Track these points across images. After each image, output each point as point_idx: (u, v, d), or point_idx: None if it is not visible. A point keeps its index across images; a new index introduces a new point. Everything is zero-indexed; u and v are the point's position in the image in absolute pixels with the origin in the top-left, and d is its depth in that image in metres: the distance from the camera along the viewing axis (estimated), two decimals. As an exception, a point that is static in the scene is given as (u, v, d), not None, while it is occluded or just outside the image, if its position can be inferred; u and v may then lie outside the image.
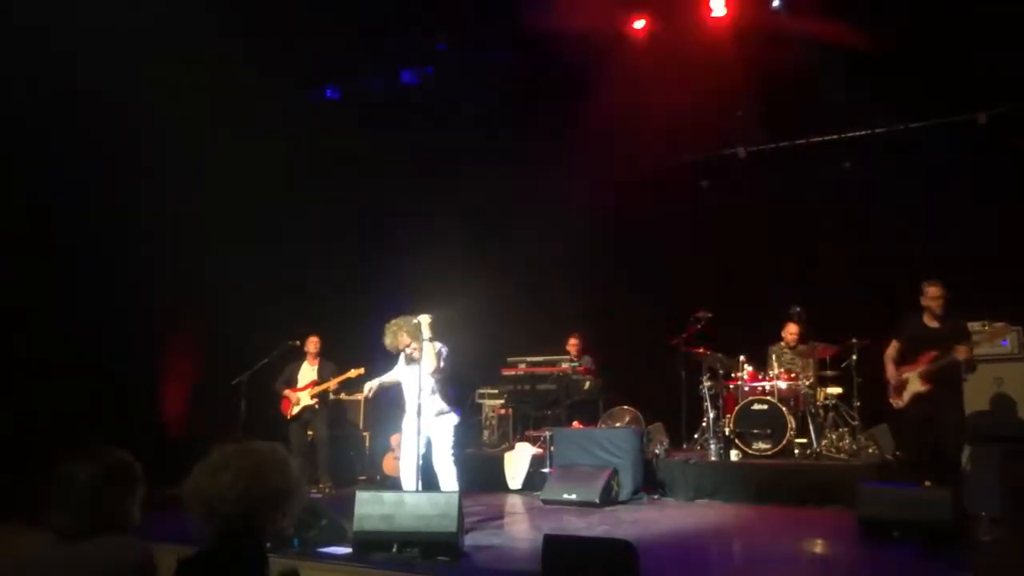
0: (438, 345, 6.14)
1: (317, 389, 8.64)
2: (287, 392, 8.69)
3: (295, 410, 8.62)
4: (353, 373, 8.62)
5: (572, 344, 9.80)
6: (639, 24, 9.41)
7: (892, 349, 6.40)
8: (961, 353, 5.98)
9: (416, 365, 6.13)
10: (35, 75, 7.52)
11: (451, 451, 6.23)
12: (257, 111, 8.70)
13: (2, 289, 7.93)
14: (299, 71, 9.04)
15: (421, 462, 6.03)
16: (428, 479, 6.15)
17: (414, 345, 6.12)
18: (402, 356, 6.30)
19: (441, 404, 6.23)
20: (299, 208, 9.80)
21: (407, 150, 10.23)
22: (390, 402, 9.08)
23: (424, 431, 6.11)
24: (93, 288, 8.41)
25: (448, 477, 6.14)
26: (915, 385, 6.15)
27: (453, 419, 6.30)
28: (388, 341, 6.19)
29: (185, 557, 2.15)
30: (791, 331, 8.69)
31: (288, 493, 2.21)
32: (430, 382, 6.15)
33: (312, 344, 8.84)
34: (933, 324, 6.19)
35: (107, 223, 8.40)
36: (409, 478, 6.04)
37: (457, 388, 6.64)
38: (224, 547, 2.12)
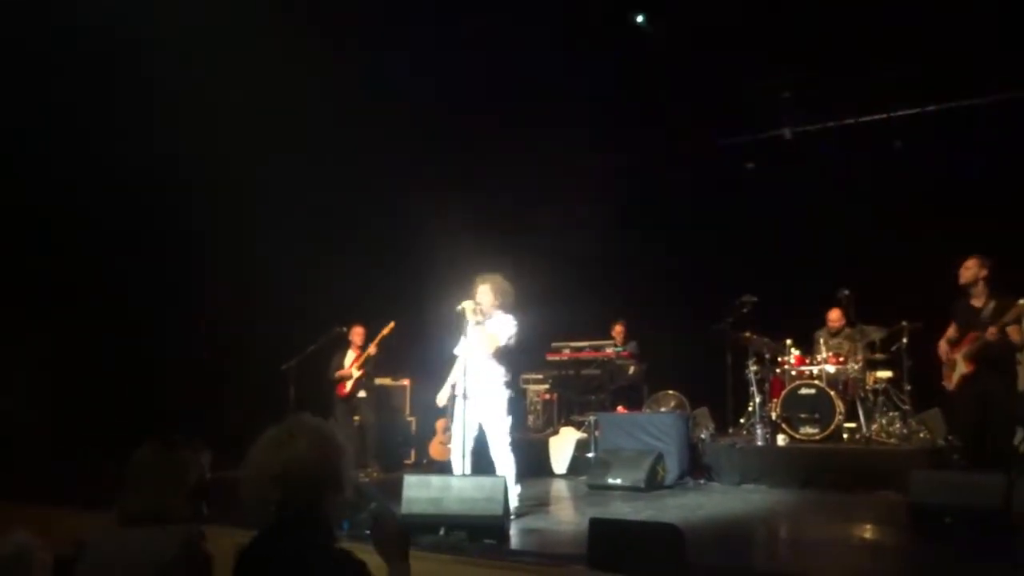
0: (503, 319, 6.03)
1: (361, 358, 8.78)
2: (339, 374, 8.83)
3: (349, 385, 8.76)
4: (386, 330, 8.72)
5: (617, 331, 9.80)
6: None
7: (950, 330, 6.30)
8: (989, 335, 5.85)
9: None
10: (95, 55, 7.63)
11: (508, 436, 5.97)
12: (306, 94, 8.76)
13: (57, 280, 8.17)
14: (347, 49, 9.02)
15: (473, 445, 5.95)
16: (485, 466, 6.00)
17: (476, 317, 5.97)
18: (469, 329, 6.02)
19: (495, 382, 6.00)
20: (344, 195, 9.86)
21: (453, 133, 10.22)
22: (436, 388, 9.20)
23: (476, 413, 5.96)
24: (143, 276, 8.61)
25: (504, 468, 5.88)
26: (961, 367, 6.04)
27: (506, 396, 6.02)
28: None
29: (244, 545, 2.08)
30: (834, 315, 8.58)
31: (349, 465, 2.18)
32: (482, 359, 5.99)
33: (356, 334, 8.94)
34: (977, 303, 6.07)
35: (155, 210, 8.55)
36: (457, 461, 6.01)
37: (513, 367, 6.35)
38: (289, 529, 2.05)
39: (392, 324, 8.71)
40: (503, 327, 6.03)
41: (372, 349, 8.82)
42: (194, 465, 2.47)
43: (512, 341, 6.04)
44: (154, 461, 2.42)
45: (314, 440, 2.10)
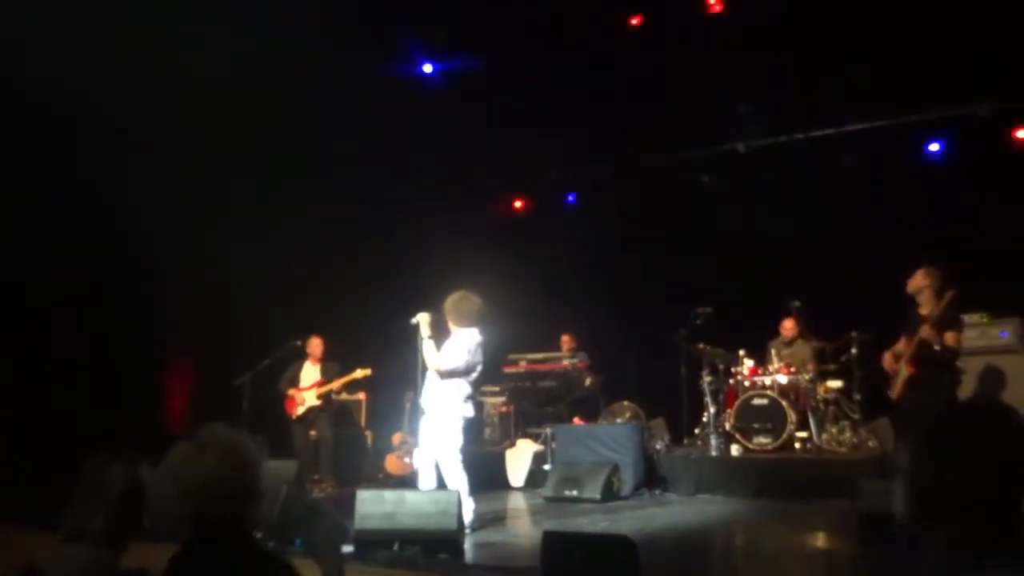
0: (457, 340, 6.01)
1: (323, 389, 8.65)
2: (292, 392, 8.69)
3: (300, 410, 8.63)
4: (359, 374, 8.63)
5: (565, 341, 9.84)
6: (635, 21, 9.39)
7: (899, 344, 6.40)
8: (923, 331, 5.97)
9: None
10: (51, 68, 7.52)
11: (458, 455, 5.86)
12: (258, 106, 8.70)
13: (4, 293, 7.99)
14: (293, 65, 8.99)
15: (436, 458, 5.93)
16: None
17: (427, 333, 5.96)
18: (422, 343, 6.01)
19: (443, 401, 5.93)
20: (302, 206, 9.80)
21: (412, 150, 10.22)
22: (392, 402, 9.15)
23: (431, 430, 5.96)
24: (95, 289, 8.45)
25: (454, 486, 5.77)
26: (903, 372, 6.15)
27: (455, 416, 5.91)
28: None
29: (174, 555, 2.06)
30: (787, 326, 8.71)
31: (258, 483, 2.12)
32: (435, 377, 5.98)
33: (315, 346, 8.84)
34: (923, 311, 6.21)
35: (108, 222, 8.42)
36: (423, 474, 5.99)
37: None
38: (207, 543, 2.02)
39: (369, 371, 8.62)
40: (450, 351, 5.96)
41: (336, 385, 8.71)
42: (119, 478, 2.41)
43: (458, 365, 5.91)
44: (82, 476, 2.38)
45: (223, 454, 2.05)
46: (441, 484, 5.90)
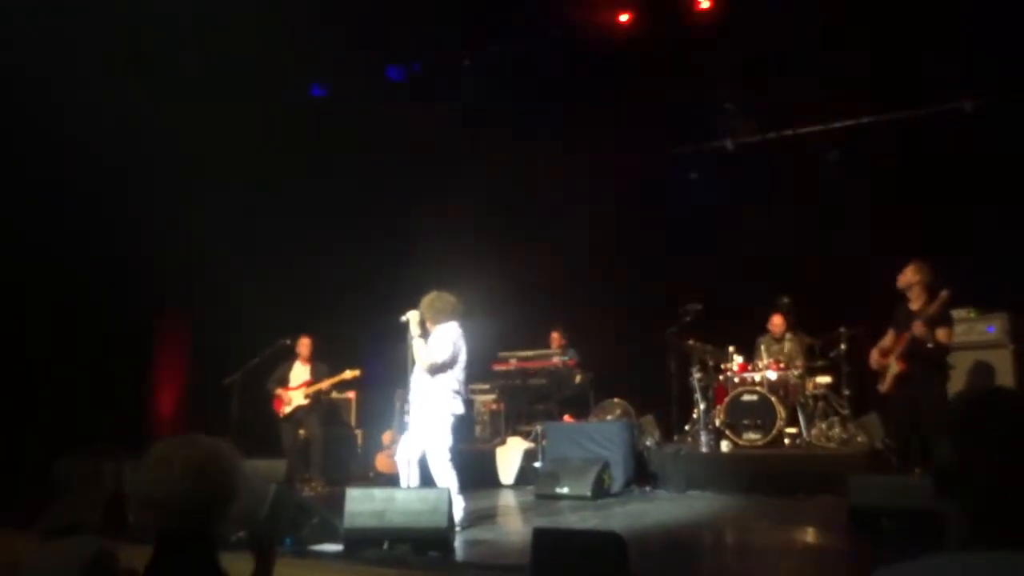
0: (440, 334, 6.01)
1: (311, 389, 8.62)
2: (279, 391, 8.67)
3: (287, 409, 8.61)
4: (348, 374, 8.61)
5: (554, 338, 9.84)
6: (624, 18, 9.37)
7: (885, 339, 6.42)
8: (915, 328, 6.00)
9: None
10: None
11: (447, 454, 5.84)
12: (246, 109, 8.67)
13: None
14: (284, 68, 8.98)
15: (419, 457, 5.91)
16: (433, 478, 5.91)
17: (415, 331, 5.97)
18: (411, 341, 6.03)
19: (432, 398, 5.92)
20: (290, 207, 9.78)
21: (397, 150, 10.21)
22: (382, 400, 9.13)
23: (420, 427, 5.94)
24: (84, 287, 8.41)
25: (443, 483, 5.75)
26: (893, 368, 6.18)
27: (444, 413, 5.88)
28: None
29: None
30: (775, 322, 8.74)
31: (233, 490, 2.08)
32: (424, 375, 5.98)
33: (303, 346, 8.81)
34: (913, 307, 6.23)
35: (98, 222, 8.38)
36: (403, 473, 5.98)
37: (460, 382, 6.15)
38: (171, 552, 2.01)
39: (358, 372, 8.61)
40: (433, 345, 5.97)
41: (325, 385, 8.68)
42: (111, 476, 2.40)
43: (446, 357, 5.93)
44: (69, 473, 2.37)
45: (191, 467, 2.01)
46: (425, 482, 5.89)
